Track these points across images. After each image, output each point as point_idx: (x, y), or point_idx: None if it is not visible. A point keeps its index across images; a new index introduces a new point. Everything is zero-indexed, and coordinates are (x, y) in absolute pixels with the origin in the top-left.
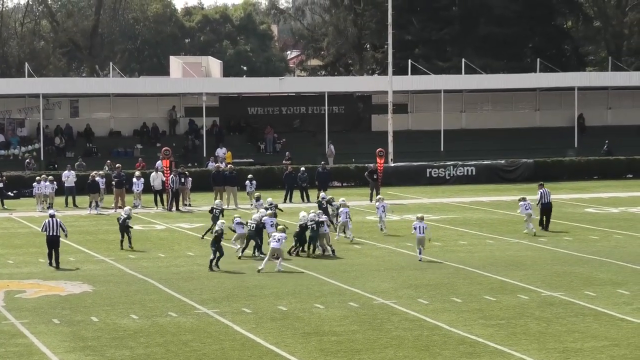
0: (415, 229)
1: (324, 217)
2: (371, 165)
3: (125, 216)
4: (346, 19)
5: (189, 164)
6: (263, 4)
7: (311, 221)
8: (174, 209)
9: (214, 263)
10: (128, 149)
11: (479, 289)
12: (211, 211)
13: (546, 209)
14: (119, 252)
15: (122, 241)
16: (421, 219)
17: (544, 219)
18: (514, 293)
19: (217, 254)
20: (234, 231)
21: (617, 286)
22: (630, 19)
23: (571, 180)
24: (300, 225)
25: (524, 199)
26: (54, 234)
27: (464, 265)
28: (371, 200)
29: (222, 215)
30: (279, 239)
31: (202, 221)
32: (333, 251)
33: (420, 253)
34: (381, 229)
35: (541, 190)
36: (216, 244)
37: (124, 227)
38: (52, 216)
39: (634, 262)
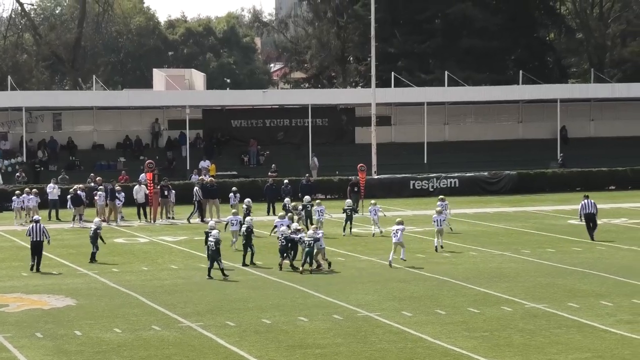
0: (434, 221)
1: (320, 233)
2: (352, 178)
3: (95, 227)
4: (329, 32)
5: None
6: (246, 16)
7: (309, 237)
8: (195, 220)
9: (247, 261)
10: (111, 161)
11: (463, 300)
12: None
13: (589, 219)
14: (102, 265)
15: (93, 253)
16: (440, 212)
17: (591, 227)
18: (498, 305)
19: (250, 251)
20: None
21: (600, 298)
22: (613, 31)
23: (554, 192)
24: (286, 238)
25: (442, 200)
26: (37, 239)
27: (448, 277)
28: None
29: (250, 213)
30: (398, 232)
31: (185, 234)
32: (329, 264)
33: (437, 242)
34: (380, 232)
35: (583, 202)
36: (247, 241)
37: (95, 239)
38: (36, 222)
39: (617, 274)
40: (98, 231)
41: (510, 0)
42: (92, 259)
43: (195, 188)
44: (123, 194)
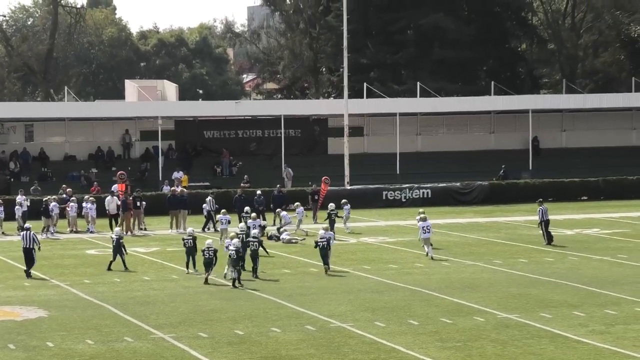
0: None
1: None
2: (313, 186)
3: (117, 237)
4: (302, 43)
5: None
6: (219, 27)
7: (321, 238)
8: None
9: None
10: (83, 173)
11: (436, 311)
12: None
13: (547, 225)
14: (74, 276)
15: (112, 262)
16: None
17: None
18: (470, 315)
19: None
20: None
21: (573, 308)
22: (585, 42)
23: (526, 202)
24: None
25: (346, 204)
26: (28, 246)
27: (421, 288)
28: (315, 221)
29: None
30: (428, 230)
31: (158, 245)
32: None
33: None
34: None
35: (539, 208)
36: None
37: (118, 248)
38: (27, 229)
39: (589, 284)
40: (121, 241)
41: (482, 11)
42: (110, 267)
43: (208, 198)
44: (96, 204)
